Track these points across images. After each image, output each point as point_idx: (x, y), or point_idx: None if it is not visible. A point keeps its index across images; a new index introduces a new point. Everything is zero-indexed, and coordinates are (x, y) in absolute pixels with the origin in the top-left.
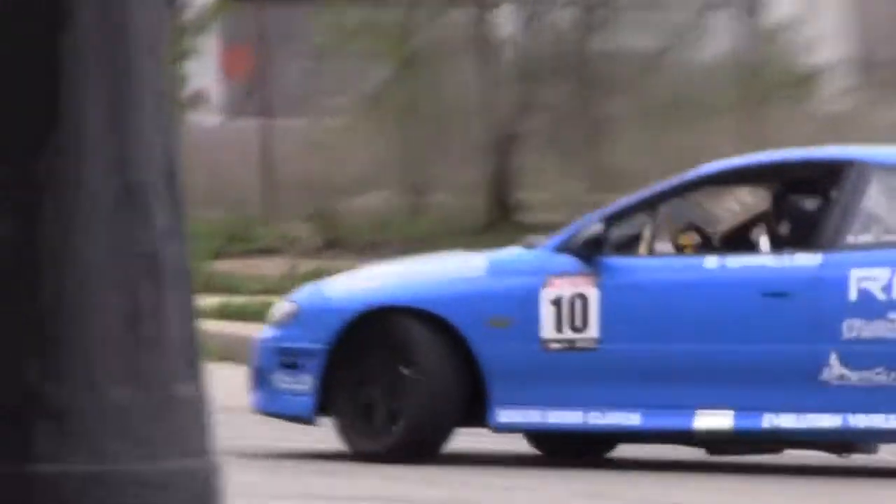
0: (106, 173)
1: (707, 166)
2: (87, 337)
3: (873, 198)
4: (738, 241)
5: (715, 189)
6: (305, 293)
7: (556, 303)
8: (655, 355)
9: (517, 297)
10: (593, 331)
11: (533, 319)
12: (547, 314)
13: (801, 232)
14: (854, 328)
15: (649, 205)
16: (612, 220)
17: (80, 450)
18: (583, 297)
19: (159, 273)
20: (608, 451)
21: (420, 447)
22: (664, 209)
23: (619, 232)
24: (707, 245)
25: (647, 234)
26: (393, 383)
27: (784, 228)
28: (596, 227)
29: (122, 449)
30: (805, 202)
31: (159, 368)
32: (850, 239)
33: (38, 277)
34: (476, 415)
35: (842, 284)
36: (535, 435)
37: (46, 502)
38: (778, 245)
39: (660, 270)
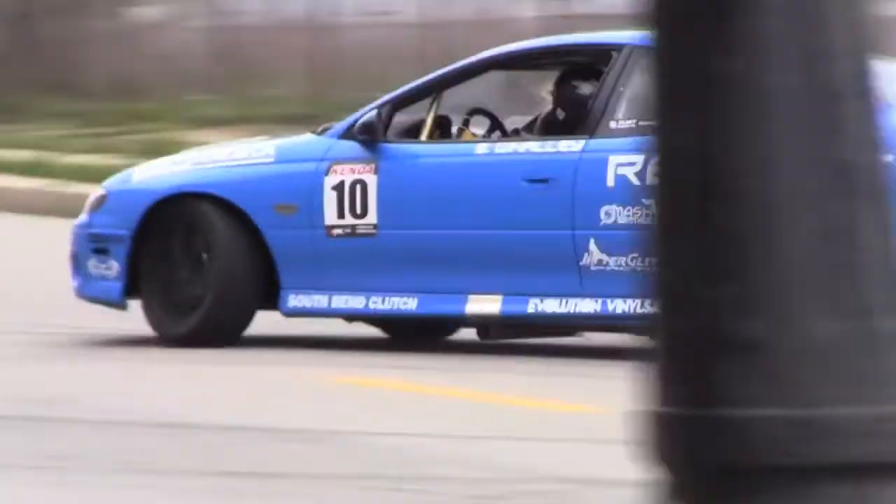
0: (791, 70)
1: (491, 50)
2: (782, 260)
3: (642, 83)
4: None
5: (500, 74)
6: (115, 179)
7: (338, 189)
8: (429, 241)
9: (302, 183)
10: (372, 217)
11: (317, 206)
12: (329, 201)
13: (574, 118)
14: (611, 214)
15: (432, 90)
16: (393, 106)
17: (778, 392)
18: (363, 184)
19: (854, 187)
20: (448, 334)
21: (220, 331)
22: (451, 94)
23: (407, 119)
24: (498, 130)
25: (428, 120)
26: (194, 268)
27: (560, 114)
28: (372, 114)
29: (826, 392)
30: (580, 87)
31: (857, 297)
32: (613, 125)
33: (720, 189)
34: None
35: (601, 170)
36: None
37: (738, 449)
38: (554, 131)
39: (433, 157)
